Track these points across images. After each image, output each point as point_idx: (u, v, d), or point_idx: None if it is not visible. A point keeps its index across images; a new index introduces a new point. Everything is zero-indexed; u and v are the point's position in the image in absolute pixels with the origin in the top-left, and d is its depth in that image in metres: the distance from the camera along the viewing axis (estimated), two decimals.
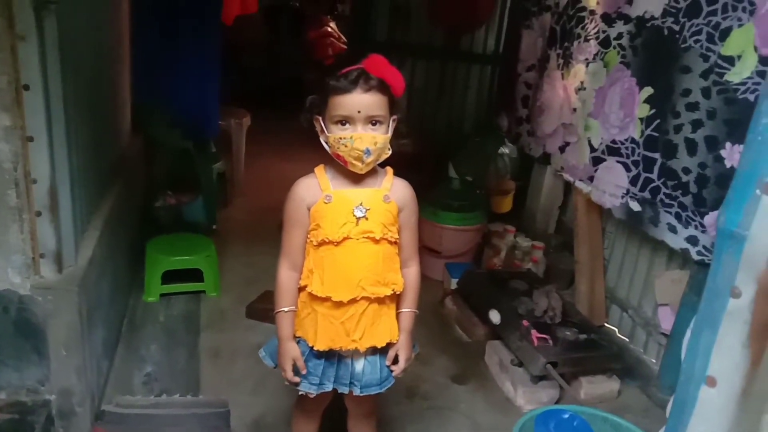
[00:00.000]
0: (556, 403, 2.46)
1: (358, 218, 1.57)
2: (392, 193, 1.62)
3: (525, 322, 2.57)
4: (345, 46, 6.72)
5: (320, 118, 1.56)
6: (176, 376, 2.46)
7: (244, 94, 5.10)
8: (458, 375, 2.65)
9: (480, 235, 3.60)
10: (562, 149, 3.22)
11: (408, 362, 1.70)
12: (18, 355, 1.90)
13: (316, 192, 1.59)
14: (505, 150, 4.12)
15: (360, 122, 1.50)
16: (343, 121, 1.51)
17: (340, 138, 1.50)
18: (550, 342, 2.48)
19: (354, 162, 1.52)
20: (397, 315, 1.70)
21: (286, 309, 1.64)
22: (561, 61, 3.25)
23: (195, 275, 3.06)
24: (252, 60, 6.76)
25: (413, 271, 1.71)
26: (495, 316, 2.70)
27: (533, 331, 2.50)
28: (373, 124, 1.52)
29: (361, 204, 1.57)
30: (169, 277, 3.01)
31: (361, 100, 1.49)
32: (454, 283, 3.22)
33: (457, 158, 4.21)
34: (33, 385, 1.94)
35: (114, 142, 2.85)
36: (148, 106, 3.50)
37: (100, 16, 2.50)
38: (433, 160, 4.36)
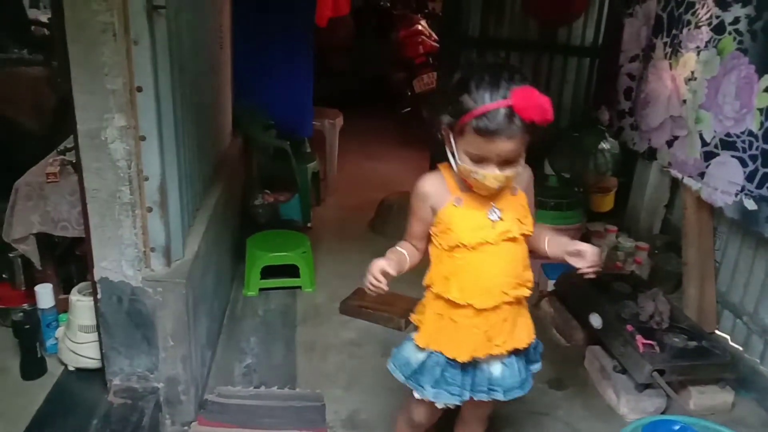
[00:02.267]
0: (663, 413, 2.31)
1: (494, 221, 1.52)
2: (517, 182, 1.57)
3: (629, 327, 2.43)
4: (437, 44, 6.67)
5: (450, 132, 1.46)
6: (274, 369, 2.52)
7: (330, 95, 5.16)
8: (555, 380, 2.55)
9: (578, 234, 3.45)
10: (669, 143, 3.03)
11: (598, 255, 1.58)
12: (129, 343, 2.01)
13: (444, 193, 1.54)
14: (605, 145, 3.91)
15: (495, 163, 1.42)
16: (479, 158, 1.42)
17: (471, 171, 1.44)
18: (657, 348, 2.34)
19: (481, 192, 1.49)
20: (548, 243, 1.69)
21: (399, 248, 1.61)
22: (668, 50, 3.06)
23: (291, 271, 3.13)
24: (338, 61, 6.83)
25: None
26: (596, 320, 2.58)
27: (638, 337, 2.36)
28: (510, 163, 1.44)
29: (493, 206, 1.53)
30: (268, 272, 3.10)
31: (502, 147, 1.38)
32: (550, 285, 3.11)
33: (553, 154, 4.05)
34: (143, 372, 2.05)
35: (217, 142, 2.97)
36: (245, 107, 3.63)
37: (204, 20, 2.60)
38: (526, 156, 4.22)
